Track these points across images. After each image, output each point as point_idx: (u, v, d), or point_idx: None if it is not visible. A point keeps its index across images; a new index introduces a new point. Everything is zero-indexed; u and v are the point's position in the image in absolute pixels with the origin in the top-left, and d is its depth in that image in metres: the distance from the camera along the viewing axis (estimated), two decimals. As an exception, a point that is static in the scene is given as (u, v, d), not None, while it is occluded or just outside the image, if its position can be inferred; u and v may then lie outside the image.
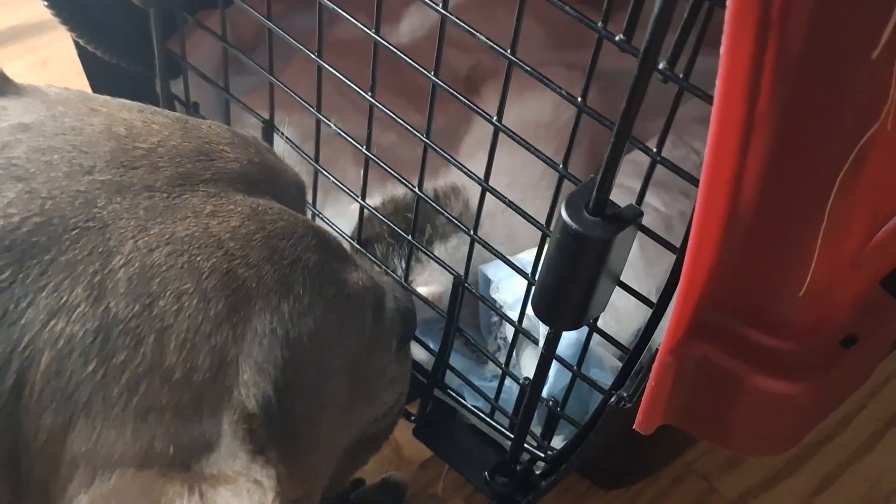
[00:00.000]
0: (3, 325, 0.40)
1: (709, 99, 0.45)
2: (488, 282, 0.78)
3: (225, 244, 0.45)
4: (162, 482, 0.39)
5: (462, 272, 0.71)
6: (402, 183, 0.70)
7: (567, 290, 0.55)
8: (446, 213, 0.69)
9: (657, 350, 0.55)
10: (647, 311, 0.59)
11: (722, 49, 0.41)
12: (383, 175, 0.72)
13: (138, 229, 0.43)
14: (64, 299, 0.40)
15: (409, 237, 0.73)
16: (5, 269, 0.40)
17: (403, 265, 0.78)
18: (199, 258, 0.43)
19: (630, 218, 0.52)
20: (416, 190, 0.69)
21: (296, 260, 0.47)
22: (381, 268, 0.79)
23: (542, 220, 0.62)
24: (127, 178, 0.45)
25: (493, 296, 0.76)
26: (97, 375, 0.40)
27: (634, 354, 0.61)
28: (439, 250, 0.80)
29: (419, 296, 0.76)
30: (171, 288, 0.42)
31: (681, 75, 0.48)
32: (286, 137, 0.77)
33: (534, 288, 0.60)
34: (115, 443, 0.40)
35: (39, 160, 0.44)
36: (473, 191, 0.79)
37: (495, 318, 0.82)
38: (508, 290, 0.76)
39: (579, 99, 0.54)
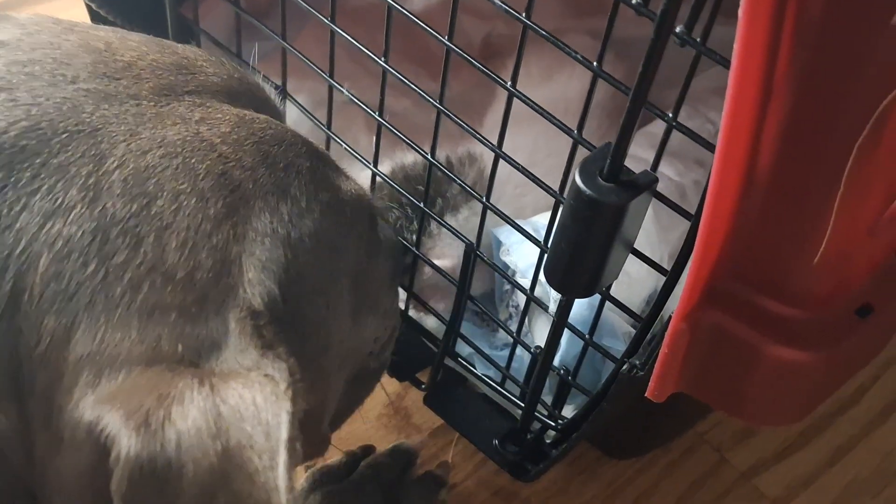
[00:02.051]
0: None
1: (726, 63, 0.44)
2: (500, 245, 0.77)
3: (217, 148, 0.45)
4: (171, 377, 0.39)
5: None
6: (415, 149, 0.70)
7: (580, 258, 0.55)
8: (458, 180, 0.68)
9: (670, 318, 0.55)
10: (659, 278, 0.59)
11: (740, 12, 0.41)
12: (396, 143, 0.71)
13: (129, 133, 0.43)
14: (59, 201, 0.40)
15: (422, 205, 0.73)
16: None
17: (414, 237, 0.77)
18: (193, 160, 0.43)
19: (645, 184, 0.52)
20: (429, 157, 0.69)
21: (289, 164, 0.47)
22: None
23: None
24: (111, 88, 0.45)
25: (504, 258, 0.76)
26: (98, 276, 0.39)
27: (647, 322, 0.61)
28: (450, 222, 0.79)
29: (432, 265, 0.76)
30: (168, 188, 0.42)
31: (698, 39, 0.47)
32: (299, 104, 0.77)
33: (546, 255, 0.59)
34: (120, 343, 0.39)
35: (20, 72, 0.44)
36: (490, 159, 0.79)
37: (507, 287, 0.81)
38: (519, 253, 0.75)
39: (594, 64, 0.53)
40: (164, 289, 0.40)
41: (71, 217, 0.40)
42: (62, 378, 0.39)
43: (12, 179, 0.40)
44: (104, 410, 0.38)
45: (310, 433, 0.47)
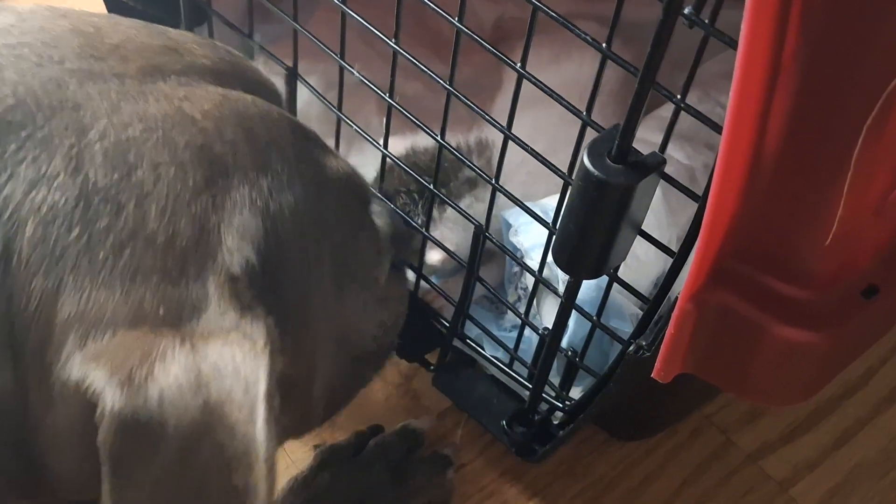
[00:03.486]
0: None
1: (735, 44, 0.44)
2: (509, 226, 0.78)
3: (199, 122, 0.46)
4: (153, 337, 0.41)
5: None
6: (425, 131, 0.70)
7: (587, 239, 0.55)
8: (467, 161, 0.69)
9: (677, 299, 0.55)
10: (667, 261, 0.59)
11: (748, -9, 0.41)
12: (407, 126, 0.72)
13: (112, 109, 0.45)
14: (43, 170, 0.42)
15: (431, 186, 0.73)
16: None
17: (422, 220, 0.78)
18: (173, 133, 0.45)
19: (653, 166, 0.52)
20: (438, 138, 0.69)
21: (271, 141, 0.49)
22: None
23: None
24: (97, 67, 0.47)
25: (512, 239, 0.76)
26: (82, 240, 0.41)
27: (654, 303, 0.61)
28: (452, 211, 0.79)
29: (442, 246, 0.76)
30: (148, 159, 0.44)
31: (706, 21, 0.47)
32: (310, 86, 0.77)
33: (554, 236, 0.60)
34: (105, 304, 0.41)
35: (10, 54, 0.45)
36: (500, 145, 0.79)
37: (516, 269, 0.82)
38: (528, 235, 0.76)
39: (604, 45, 0.54)
40: (145, 253, 0.42)
41: (55, 185, 0.42)
42: (51, 338, 0.41)
43: None
44: (90, 368, 0.40)
45: (297, 404, 0.50)
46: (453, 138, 0.79)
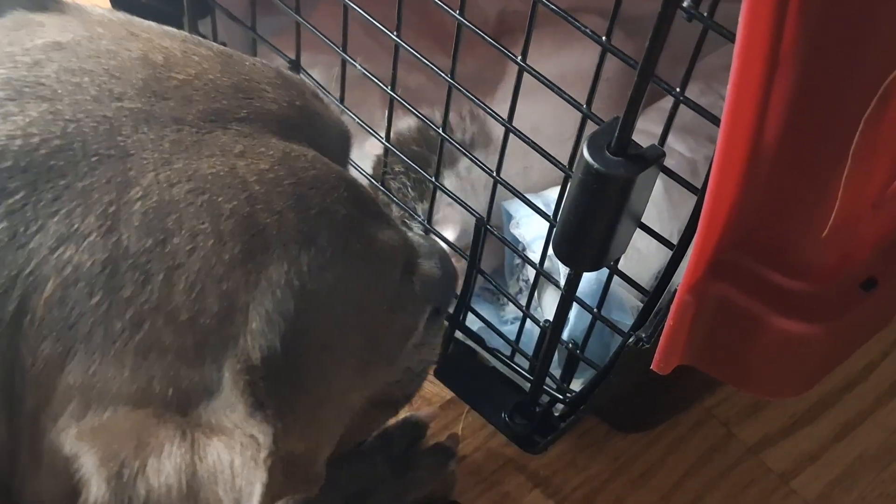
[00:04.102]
0: (12, 247, 0.39)
1: (731, 36, 0.44)
2: (510, 218, 0.78)
3: (249, 187, 0.42)
4: (155, 423, 0.39)
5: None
6: (429, 125, 0.70)
7: (588, 231, 0.55)
8: (468, 153, 0.69)
9: (674, 291, 0.56)
10: (668, 253, 0.59)
11: (746, -17, 0.41)
12: (408, 114, 0.72)
13: (161, 162, 0.41)
14: (75, 227, 0.39)
15: (433, 179, 0.73)
16: (19, 191, 0.39)
17: (422, 206, 0.78)
18: (220, 199, 0.41)
19: (652, 158, 0.52)
20: (441, 132, 0.69)
21: (323, 211, 0.45)
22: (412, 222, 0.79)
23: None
24: (157, 109, 0.43)
25: (513, 231, 0.77)
26: (101, 308, 0.39)
27: (654, 295, 0.61)
28: (450, 179, 0.79)
29: (444, 239, 0.77)
30: (187, 226, 0.40)
31: (705, 14, 0.48)
32: (312, 79, 0.77)
33: (554, 228, 0.60)
34: (112, 378, 0.39)
35: (69, 81, 0.43)
36: (494, 125, 0.79)
37: (518, 261, 0.82)
38: (528, 227, 0.76)
39: (604, 38, 0.54)
40: (164, 329, 0.39)
41: (84, 245, 0.39)
42: (50, 403, 0.39)
43: (33, 199, 0.39)
44: (83, 449, 0.38)
45: (301, 472, 0.46)
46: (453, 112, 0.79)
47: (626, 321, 0.71)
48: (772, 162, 0.48)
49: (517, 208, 0.77)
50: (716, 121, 0.50)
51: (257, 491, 0.38)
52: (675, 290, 0.55)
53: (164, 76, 0.45)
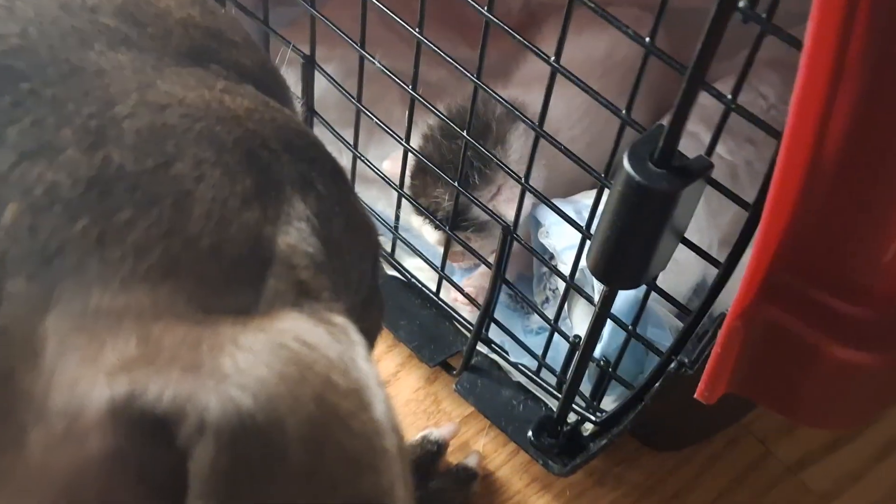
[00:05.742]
0: None
1: (794, 41, 0.41)
2: (538, 225, 0.74)
3: (243, 122, 0.38)
4: (212, 324, 0.32)
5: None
6: (453, 128, 0.66)
7: (627, 247, 0.52)
8: (494, 157, 0.65)
9: (720, 314, 0.52)
10: (708, 266, 0.56)
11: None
12: (428, 113, 0.68)
13: (145, 84, 0.36)
14: (45, 138, 0.33)
15: (456, 184, 0.69)
16: None
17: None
18: (218, 128, 0.37)
19: (698, 171, 0.48)
20: (466, 135, 0.65)
21: (315, 159, 0.41)
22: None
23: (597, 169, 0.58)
24: (134, 32, 0.39)
25: (542, 241, 0.72)
26: (91, 235, 0.32)
27: (697, 317, 0.57)
28: (501, 154, 0.74)
29: (465, 246, 0.73)
30: (189, 153, 0.35)
31: (763, 15, 0.43)
32: (328, 75, 0.73)
33: (589, 244, 0.56)
34: (125, 310, 0.32)
35: None
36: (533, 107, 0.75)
37: (545, 269, 0.78)
38: (558, 236, 0.72)
39: (647, 39, 0.49)
40: (183, 255, 0.33)
41: (60, 160, 0.33)
42: (35, 358, 0.31)
43: None
44: (138, 377, 0.30)
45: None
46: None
47: (664, 339, 0.66)
48: (833, 177, 0.45)
49: (546, 215, 0.72)
50: (768, 129, 0.47)
51: (360, 354, 0.34)
52: (721, 315, 0.51)
53: (142, 2, 0.41)
